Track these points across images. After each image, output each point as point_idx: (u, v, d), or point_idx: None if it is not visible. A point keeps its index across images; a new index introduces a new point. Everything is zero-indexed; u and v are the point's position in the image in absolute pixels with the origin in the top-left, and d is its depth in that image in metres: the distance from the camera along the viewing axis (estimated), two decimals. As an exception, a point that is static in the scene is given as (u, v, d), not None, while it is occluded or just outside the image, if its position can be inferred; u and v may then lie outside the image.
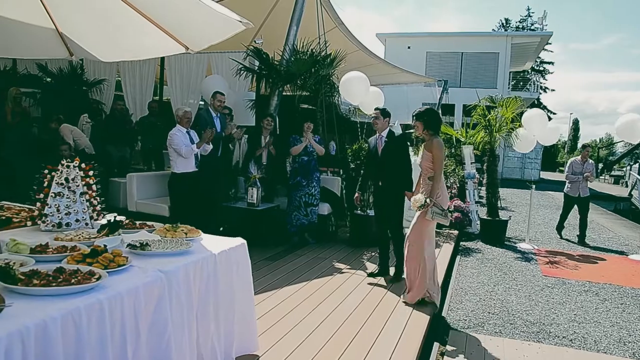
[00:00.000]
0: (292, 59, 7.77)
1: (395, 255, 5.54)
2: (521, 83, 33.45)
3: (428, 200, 4.60)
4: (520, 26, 51.71)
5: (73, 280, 2.03)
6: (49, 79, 9.93)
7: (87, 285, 2.01)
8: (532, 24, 50.49)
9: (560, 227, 9.71)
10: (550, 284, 6.22)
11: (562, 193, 9.49)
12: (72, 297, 1.94)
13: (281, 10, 9.19)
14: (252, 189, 6.55)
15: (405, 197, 5.32)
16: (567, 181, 9.20)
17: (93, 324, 1.95)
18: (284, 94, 8.03)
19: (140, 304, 2.21)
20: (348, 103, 8.85)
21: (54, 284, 1.99)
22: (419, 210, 4.64)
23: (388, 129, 5.49)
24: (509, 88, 28.47)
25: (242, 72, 8.03)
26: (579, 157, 9.21)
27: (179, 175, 6.05)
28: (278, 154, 7.15)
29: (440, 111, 17.88)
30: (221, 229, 6.61)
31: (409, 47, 28.83)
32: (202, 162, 6.28)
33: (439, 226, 8.85)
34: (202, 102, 9.86)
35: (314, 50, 7.92)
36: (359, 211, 7.09)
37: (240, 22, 2.97)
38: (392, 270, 5.60)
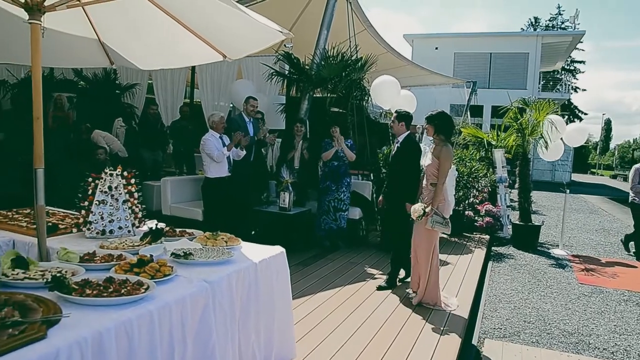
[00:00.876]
0: (323, 63, 7.77)
1: (391, 260, 5.49)
2: (551, 83, 32.85)
3: (428, 209, 4.56)
4: (550, 25, 50.66)
5: (123, 291, 2.07)
6: (82, 83, 10.15)
7: (137, 295, 2.05)
8: (562, 22, 49.49)
9: None
10: (587, 292, 6.08)
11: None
12: (124, 307, 1.97)
13: (309, 14, 9.22)
14: (284, 194, 6.57)
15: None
16: (632, 191, 8.33)
17: (143, 334, 1.98)
18: (314, 95, 8.04)
19: (187, 313, 2.24)
20: (378, 106, 8.79)
21: (105, 294, 2.02)
22: (419, 220, 4.63)
23: (406, 133, 5.34)
24: (539, 89, 27.98)
25: (273, 76, 8.07)
26: None
27: (213, 180, 6.13)
28: (310, 158, 7.16)
29: (469, 113, 17.64)
30: (252, 232, 6.67)
31: (436, 48, 28.60)
32: (235, 166, 6.34)
33: (471, 230, 8.77)
34: (232, 105, 9.97)
35: (344, 54, 7.90)
36: (389, 216, 7.05)
37: (281, 32, 2.98)
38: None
